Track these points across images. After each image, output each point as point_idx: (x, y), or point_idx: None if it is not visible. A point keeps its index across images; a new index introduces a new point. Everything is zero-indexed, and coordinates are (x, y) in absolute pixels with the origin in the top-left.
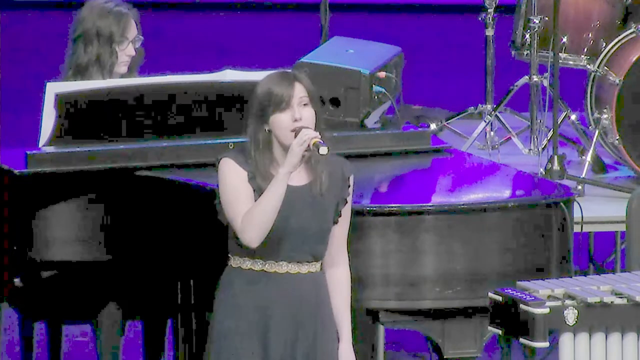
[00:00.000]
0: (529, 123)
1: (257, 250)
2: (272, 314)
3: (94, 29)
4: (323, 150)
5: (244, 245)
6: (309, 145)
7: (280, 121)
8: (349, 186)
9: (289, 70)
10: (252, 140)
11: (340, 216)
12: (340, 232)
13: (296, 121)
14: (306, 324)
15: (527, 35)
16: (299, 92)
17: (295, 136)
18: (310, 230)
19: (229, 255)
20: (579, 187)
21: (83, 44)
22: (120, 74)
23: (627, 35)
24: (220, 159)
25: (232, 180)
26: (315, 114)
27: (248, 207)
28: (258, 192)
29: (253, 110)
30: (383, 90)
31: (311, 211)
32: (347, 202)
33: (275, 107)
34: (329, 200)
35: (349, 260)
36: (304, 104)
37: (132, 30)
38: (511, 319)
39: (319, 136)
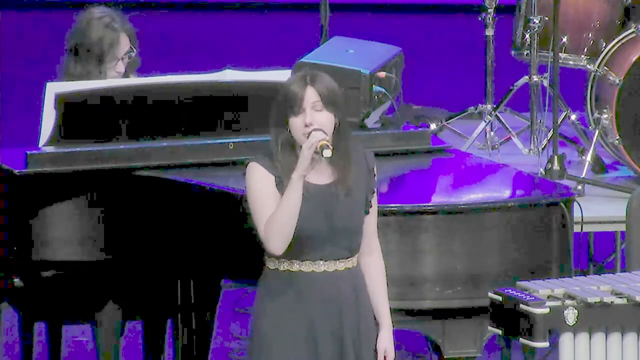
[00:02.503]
0: (529, 123)
1: (292, 252)
2: (315, 314)
3: (85, 45)
4: (326, 153)
5: (272, 253)
6: (316, 148)
7: (295, 124)
8: (375, 176)
9: (310, 72)
10: (275, 142)
11: (371, 206)
12: (371, 221)
13: (306, 126)
14: (349, 321)
15: (527, 35)
16: (311, 96)
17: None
18: (341, 228)
19: (265, 257)
20: (579, 187)
21: (74, 56)
22: None
23: (627, 35)
24: (248, 163)
25: (259, 185)
26: (336, 117)
27: None
28: None
29: (275, 110)
30: (383, 90)
31: (342, 207)
32: (374, 192)
33: (290, 109)
34: (359, 194)
35: None
36: (317, 109)
37: (123, 48)
38: (511, 319)
39: (326, 138)
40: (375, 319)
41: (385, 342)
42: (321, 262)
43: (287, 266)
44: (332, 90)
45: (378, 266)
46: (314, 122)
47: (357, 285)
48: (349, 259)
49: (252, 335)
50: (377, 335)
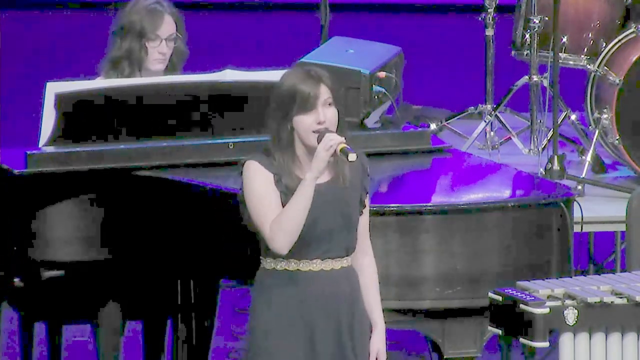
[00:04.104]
0: (529, 123)
1: (291, 251)
2: (313, 313)
3: (128, 24)
4: (352, 157)
5: (276, 252)
6: (336, 151)
7: (304, 122)
8: (368, 175)
9: (313, 69)
10: (275, 138)
11: (364, 206)
12: (364, 222)
13: (320, 123)
14: (346, 320)
15: (527, 35)
16: (324, 93)
17: (319, 140)
18: (339, 226)
19: (261, 257)
20: (579, 187)
21: (119, 38)
22: (155, 71)
23: (627, 35)
24: (245, 161)
25: (258, 184)
26: (338, 113)
27: (276, 212)
28: (285, 193)
29: (276, 107)
30: (383, 90)
31: (338, 207)
32: (367, 192)
33: (300, 107)
34: (353, 193)
35: None
36: (329, 104)
37: (166, 28)
38: (511, 319)
39: (344, 141)
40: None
41: (378, 343)
42: (319, 261)
43: (284, 265)
44: (336, 86)
45: (371, 267)
46: (326, 119)
47: (352, 285)
48: (345, 258)
49: (249, 335)
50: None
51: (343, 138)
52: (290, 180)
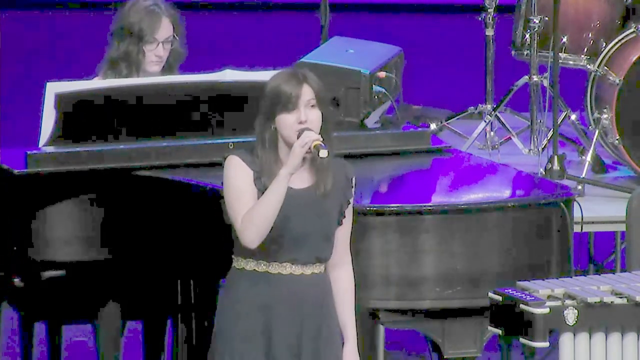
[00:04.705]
0: (529, 123)
1: (261, 252)
2: (275, 316)
3: (126, 26)
4: (323, 153)
5: (245, 246)
6: (310, 148)
7: (286, 121)
8: (352, 187)
9: (299, 70)
10: (259, 138)
11: (344, 217)
12: (343, 234)
13: (301, 123)
14: (310, 326)
15: (527, 35)
16: (307, 93)
17: (298, 137)
18: (313, 233)
19: (233, 256)
20: (579, 187)
21: (116, 39)
22: (152, 72)
23: (627, 35)
24: (227, 156)
25: (237, 179)
26: (323, 115)
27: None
28: (262, 192)
29: (261, 107)
30: (383, 90)
31: (314, 214)
32: (349, 204)
33: (282, 106)
34: (333, 203)
35: None
36: (311, 106)
37: (163, 31)
38: (511, 319)
39: (321, 139)
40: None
41: (350, 356)
42: (289, 265)
43: (254, 266)
44: (322, 88)
45: (347, 279)
46: (307, 119)
47: (323, 293)
48: (316, 265)
49: (213, 335)
50: (342, 345)
51: (320, 136)
52: (269, 179)
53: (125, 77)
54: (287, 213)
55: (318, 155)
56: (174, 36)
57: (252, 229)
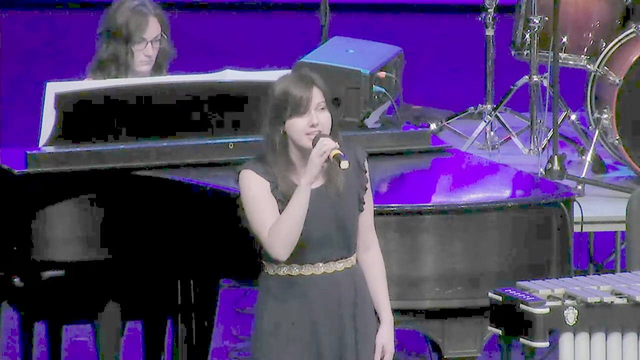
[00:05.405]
0: (529, 123)
1: (292, 256)
2: (316, 315)
3: (113, 27)
4: (344, 164)
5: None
6: (329, 157)
7: (297, 125)
8: (365, 172)
9: (305, 72)
10: (269, 143)
11: (364, 203)
12: (366, 217)
13: (313, 126)
14: (349, 319)
15: (527, 35)
16: (317, 96)
17: (314, 145)
18: (339, 227)
19: (263, 261)
20: (579, 187)
21: (104, 40)
22: (142, 72)
23: (627, 35)
24: (240, 171)
25: (254, 192)
26: (331, 116)
27: (273, 219)
28: (282, 201)
29: (269, 111)
30: (383, 90)
31: (335, 209)
32: (366, 189)
33: (293, 111)
34: (351, 193)
35: None
36: (322, 108)
37: (151, 31)
38: (511, 319)
39: (338, 146)
40: (376, 314)
41: (385, 337)
42: (320, 265)
43: (286, 271)
44: (327, 90)
45: (376, 261)
46: (319, 122)
47: (357, 284)
48: (347, 258)
49: (255, 335)
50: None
51: (337, 144)
52: (285, 186)
53: (114, 77)
54: (308, 215)
55: (339, 167)
56: (162, 35)
57: (280, 244)
